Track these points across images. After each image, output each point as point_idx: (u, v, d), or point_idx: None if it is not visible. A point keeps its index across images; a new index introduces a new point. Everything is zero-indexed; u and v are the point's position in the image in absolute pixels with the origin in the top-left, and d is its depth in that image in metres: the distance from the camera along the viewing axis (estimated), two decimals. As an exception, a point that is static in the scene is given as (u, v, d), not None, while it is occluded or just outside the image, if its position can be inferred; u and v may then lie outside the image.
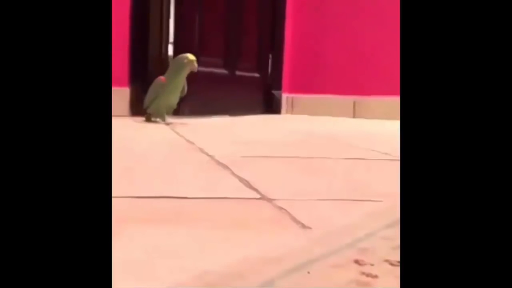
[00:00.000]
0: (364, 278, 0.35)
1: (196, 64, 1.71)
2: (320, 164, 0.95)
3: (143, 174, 0.76)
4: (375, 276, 0.36)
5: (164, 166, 0.84)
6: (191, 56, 1.71)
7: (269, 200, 0.59)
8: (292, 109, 2.72)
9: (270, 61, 2.66)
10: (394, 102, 2.12)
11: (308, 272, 0.36)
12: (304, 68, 2.69)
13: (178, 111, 2.11)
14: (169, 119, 1.79)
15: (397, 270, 0.37)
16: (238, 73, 2.47)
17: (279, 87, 2.70)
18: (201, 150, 1.03)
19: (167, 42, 2.66)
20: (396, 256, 0.40)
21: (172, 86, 1.76)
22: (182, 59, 1.73)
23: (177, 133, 1.39)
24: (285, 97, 2.73)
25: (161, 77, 1.78)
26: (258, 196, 0.61)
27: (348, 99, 2.53)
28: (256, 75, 2.60)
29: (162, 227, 0.47)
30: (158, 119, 1.80)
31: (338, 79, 2.57)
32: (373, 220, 0.51)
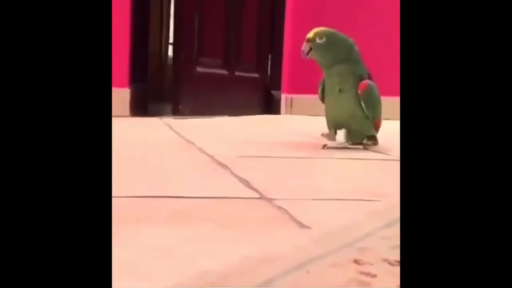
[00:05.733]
0: (363, 278, 0.35)
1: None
2: (319, 164, 0.95)
3: (142, 174, 0.76)
4: (374, 276, 0.36)
5: (164, 166, 0.84)
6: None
7: (269, 200, 0.59)
8: (291, 110, 2.72)
9: (269, 61, 2.65)
10: (394, 102, 2.12)
11: (308, 272, 0.36)
12: (304, 68, 2.68)
13: (177, 111, 2.11)
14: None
15: (396, 270, 0.37)
16: (237, 73, 2.47)
17: (278, 88, 2.70)
18: (201, 150, 1.03)
19: (167, 43, 2.66)
20: (395, 255, 0.40)
21: None
22: None
23: (177, 133, 1.40)
24: (284, 97, 2.73)
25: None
26: (258, 196, 0.61)
27: (348, 99, 2.52)
28: (256, 75, 2.60)
29: (161, 226, 0.47)
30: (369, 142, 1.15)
31: (338, 79, 2.56)
32: (372, 220, 0.51)
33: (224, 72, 2.40)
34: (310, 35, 1.07)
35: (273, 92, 2.69)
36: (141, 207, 0.55)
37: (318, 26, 1.13)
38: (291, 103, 2.72)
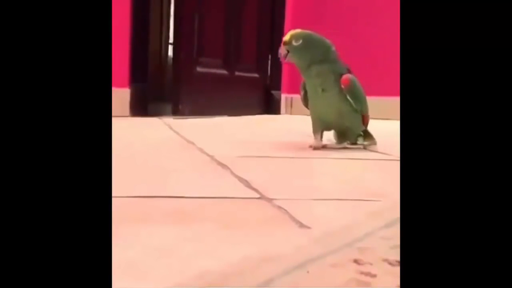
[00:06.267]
0: (363, 278, 0.35)
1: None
2: (319, 164, 0.95)
3: (142, 174, 0.76)
4: (374, 276, 0.36)
5: (164, 166, 0.84)
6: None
7: (269, 200, 0.59)
8: (291, 110, 2.72)
9: (269, 61, 2.66)
10: (394, 102, 2.13)
11: (308, 272, 0.36)
12: (304, 68, 2.68)
13: (177, 111, 2.11)
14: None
15: (396, 270, 0.37)
16: (237, 73, 2.47)
17: (278, 88, 2.71)
18: (201, 150, 1.03)
19: (167, 43, 2.66)
20: (395, 255, 0.40)
21: None
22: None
23: (177, 133, 1.40)
24: (284, 97, 2.73)
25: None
26: (258, 195, 0.61)
27: (348, 99, 2.51)
28: (256, 75, 2.60)
29: (161, 226, 0.47)
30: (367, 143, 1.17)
31: (338, 79, 2.56)
32: (372, 220, 0.51)
33: (224, 72, 2.40)
34: (286, 38, 1.07)
35: (273, 92, 2.69)
36: (141, 207, 0.55)
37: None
38: (291, 103, 2.72)
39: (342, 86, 1.08)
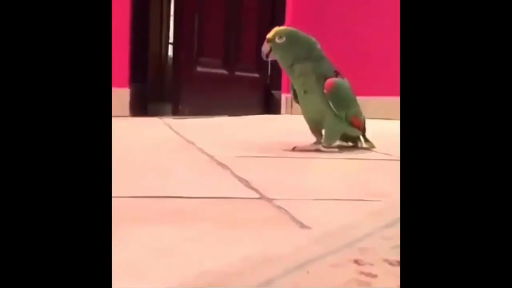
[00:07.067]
0: (364, 278, 0.35)
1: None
2: (319, 164, 0.95)
3: (142, 174, 0.76)
4: (375, 276, 0.36)
5: (163, 166, 0.84)
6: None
7: (269, 200, 0.59)
8: (291, 110, 2.72)
9: (269, 61, 2.66)
10: (394, 102, 2.13)
11: (308, 272, 0.36)
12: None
13: (177, 111, 2.11)
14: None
15: (396, 270, 0.37)
16: (237, 73, 2.47)
17: (278, 87, 2.71)
18: (201, 150, 1.03)
19: (167, 43, 2.66)
20: (395, 255, 0.40)
21: None
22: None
23: (177, 133, 1.40)
24: (284, 97, 2.73)
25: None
26: (258, 196, 0.61)
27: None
28: (256, 75, 2.60)
29: (161, 226, 0.47)
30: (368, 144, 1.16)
31: (338, 79, 2.55)
32: (373, 220, 0.51)
33: (224, 72, 2.40)
34: (270, 35, 1.03)
35: (273, 92, 2.69)
36: (141, 207, 0.55)
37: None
38: (291, 103, 2.72)
39: (325, 91, 1.02)
